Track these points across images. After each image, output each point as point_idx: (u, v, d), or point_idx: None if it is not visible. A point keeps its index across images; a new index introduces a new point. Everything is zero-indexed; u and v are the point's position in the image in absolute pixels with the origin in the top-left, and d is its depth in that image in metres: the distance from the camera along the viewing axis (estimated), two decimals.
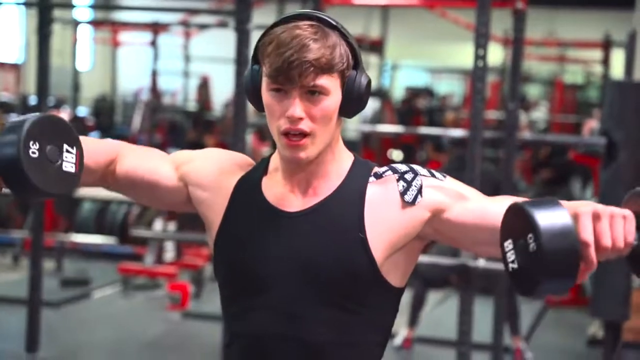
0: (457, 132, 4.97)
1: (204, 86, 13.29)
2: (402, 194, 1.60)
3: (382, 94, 12.96)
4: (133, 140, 13.25)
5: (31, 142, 1.43)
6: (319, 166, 1.63)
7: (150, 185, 1.72)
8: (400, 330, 5.65)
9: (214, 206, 1.68)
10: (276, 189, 1.65)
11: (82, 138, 1.63)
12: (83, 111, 12.07)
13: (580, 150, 7.41)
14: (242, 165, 1.71)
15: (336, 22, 1.61)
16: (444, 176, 1.63)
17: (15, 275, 6.90)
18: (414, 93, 13.01)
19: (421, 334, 5.81)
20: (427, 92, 13.21)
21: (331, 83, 1.57)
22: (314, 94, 1.56)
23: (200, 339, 5.65)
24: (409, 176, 1.61)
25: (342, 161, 1.65)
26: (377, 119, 11.24)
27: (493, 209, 1.56)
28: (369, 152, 10.65)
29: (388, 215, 1.59)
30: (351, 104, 1.61)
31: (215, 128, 11.26)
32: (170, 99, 14.00)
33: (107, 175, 1.73)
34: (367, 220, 1.59)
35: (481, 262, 3.95)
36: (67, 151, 1.49)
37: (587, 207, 1.36)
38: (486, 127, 6.37)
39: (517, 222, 1.35)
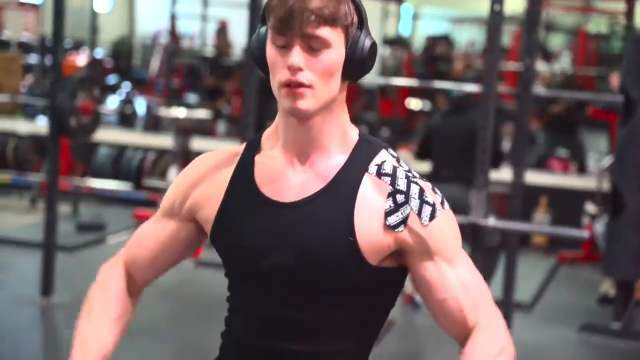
0: (472, 87, 4.95)
1: (222, 31, 13.24)
2: (387, 214, 1.56)
3: (402, 43, 12.89)
4: (151, 83, 13.26)
5: None
6: (319, 135, 1.59)
7: (171, 251, 1.73)
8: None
9: (209, 204, 1.65)
10: (270, 173, 1.62)
11: (93, 312, 1.72)
12: (101, 53, 12.06)
13: (599, 106, 7.37)
14: (230, 157, 1.66)
15: None
16: (433, 216, 1.57)
17: (32, 219, 6.99)
18: (433, 41, 12.91)
19: None
20: (446, 40, 13.09)
21: (334, 36, 1.53)
22: (316, 46, 1.53)
23: (213, 287, 5.72)
24: (399, 198, 1.57)
25: (345, 136, 1.61)
26: (396, 68, 11.20)
27: (447, 281, 1.57)
28: (387, 101, 10.63)
29: (373, 221, 1.56)
30: (354, 65, 1.57)
31: (234, 74, 11.23)
32: (189, 43, 13.96)
33: (138, 291, 1.77)
34: (357, 222, 1.56)
35: (491, 221, 3.97)
36: None
37: None
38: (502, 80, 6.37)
39: None
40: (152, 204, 7.22)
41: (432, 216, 1.57)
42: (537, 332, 5.39)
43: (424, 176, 1.65)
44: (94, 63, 10.32)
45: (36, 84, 10.32)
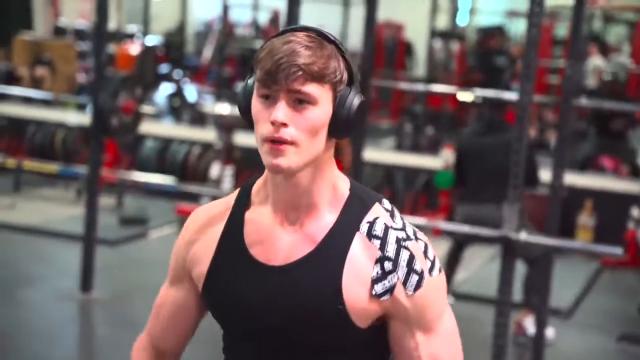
0: (513, 95, 4.88)
1: (274, 21, 13.27)
2: (373, 281, 1.55)
3: (455, 35, 12.77)
4: (203, 71, 13.37)
5: None
6: (308, 193, 1.56)
7: (191, 320, 1.74)
8: None
9: (200, 263, 1.65)
10: (259, 234, 1.60)
11: None
12: (154, 41, 12.17)
13: None
14: (221, 213, 1.66)
15: (334, 38, 1.57)
16: (419, 286, 1.55)
17: (77, 210, 7.10)
18: (486, 34, 12.75)
19: (465, 290, 5.84)
20: (500, 31, 12.92)
21: (320, 93, 1.51)
22: (301, 102, 1.50)
23: None
24: (387, 266, 1.55)
25: (336, 191, 1.59)
26: (447, 61, 11.13)
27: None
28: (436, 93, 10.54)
29: (361, 289, 1.55)
30: (340, 123, 1.53)
31: None
32: (241, 31, 14.02)
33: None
34: (345, 288, 1.55)
35: (523, 235, 3.93)
36: None
37: None
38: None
39: None
40: (196, 199, 7.29)
41: (418, 286, 1.55)
42: (574, 340, 5.34)
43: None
44: (146, 51, 10.44)
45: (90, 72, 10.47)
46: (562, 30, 12.75)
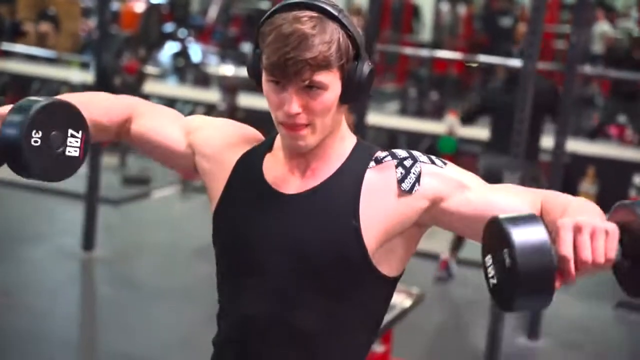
0: (515, 62, 4.88)
1: None
2: (400, 181, 1.60)
3: None
4: (208, 31, 13.33)
5: (34, 132, 1.50)
6: (319, 149, 1.64)
7: (161, 148, 1.77)
8: (443, 252, 5.72)
9: (216, 179, 1.71)
10: (276, 168, 1.67)
11: (99, 95, 1.74)
12: (159, 0, 12.11)
13: None
14: (250, 140, 1.72)
15: (338, 12, 1.60)
16: (445, 163, 1.62)
17: (80, 169, 7.13)
18: None
19: (465, 256, 5.88)
20: None
21: (329, 78, 1.56)
22: (311, 88, 1.56)
23: None
24: (407, 163, 1.61)
25: (344, 144, 1.67)
26: (452, 25, 11.07)
27: (494, 199, 1.57)
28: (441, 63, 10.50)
29: (384, 203, 1.60)
30: (351, 93, 1.60)
31: None
32: None
33: (121, 134, 1.79)
34: (362, 207, 1.60)
35: None
36: (72, 136, 1.55)
37: (569, 219, 1.36)
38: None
39: (494, 236, 1.37)
40: None
41: (445, 162, 1.63)
42: (572, 307, 5.38)
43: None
44: (151, 10, 10.40)
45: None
46: None
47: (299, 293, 1.62)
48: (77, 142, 1.56)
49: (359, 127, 4.94)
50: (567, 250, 1.33)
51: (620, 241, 1.38)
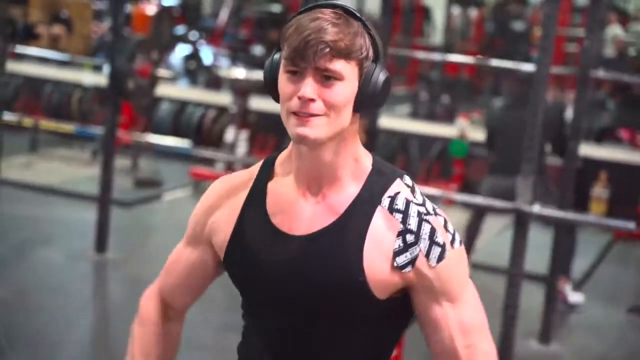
0: (529, 67, 4.88)
1: None
2: (395, 253, 1.59)
3: (475, 2, 12.68)
4: (219, 33, 13.36)
5: None
6: (331, 166, 1.60)
7: (205, 276, 1.78)
8: None
9: (221, 231, 1.69)
10: (282, 201, 1.64)
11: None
12: (170, 1, 12.16)
13: None
14: (246, 181, 1.70)
15: (361, 15, 1.61)
16: (441, 258, 1.59)
17: (92, 171, 7.16)
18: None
19: (476, 260, 5.89)
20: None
21: (347, 69, 1.55)
22: (328, 79, 1.54)
23: None
24: (409, 238, 1.58)
25: (359, 165, 1.63)
26: (464, 29, 11.08)
27: (443, 333, 1.61)
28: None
29: (383, 261, 1.58)
30: (366, 98, 1.58)
31: None
32: None
33: (182, 316, 1.85)
34: (366, 259, 1.58)
35: (536, 208, 3.95)
36: None
37: None
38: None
39: None
40: (210, 163, 7.34)
41: (441, 258, 1.59)
42: (584, 311, 5.37)
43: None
44: (162, 12, 10.43)
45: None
46: None
47: (310, 327, 1.63)
48: None
49: (370, 131, 4.95)
50: None
51: None
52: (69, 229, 6.01)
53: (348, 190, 1.61)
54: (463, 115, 7.44)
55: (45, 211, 6.32)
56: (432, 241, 1.59)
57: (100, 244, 5.41)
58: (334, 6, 1.59)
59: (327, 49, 1.53)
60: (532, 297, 5.01)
